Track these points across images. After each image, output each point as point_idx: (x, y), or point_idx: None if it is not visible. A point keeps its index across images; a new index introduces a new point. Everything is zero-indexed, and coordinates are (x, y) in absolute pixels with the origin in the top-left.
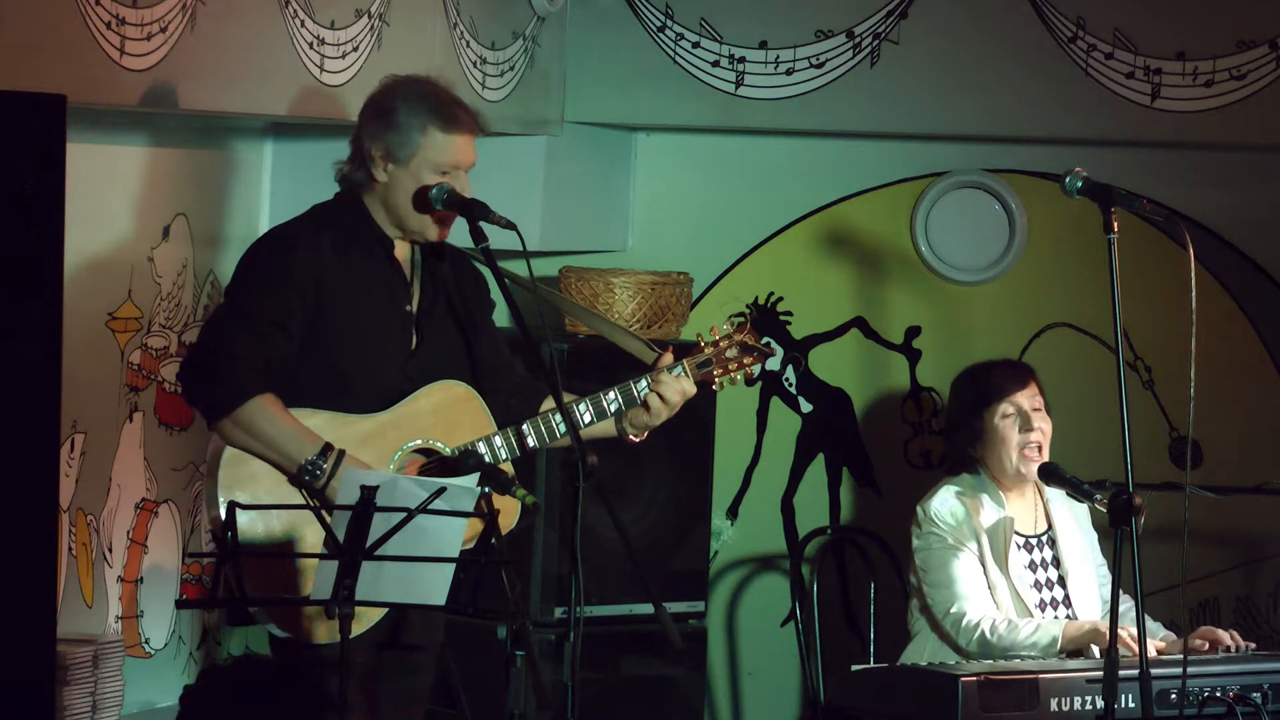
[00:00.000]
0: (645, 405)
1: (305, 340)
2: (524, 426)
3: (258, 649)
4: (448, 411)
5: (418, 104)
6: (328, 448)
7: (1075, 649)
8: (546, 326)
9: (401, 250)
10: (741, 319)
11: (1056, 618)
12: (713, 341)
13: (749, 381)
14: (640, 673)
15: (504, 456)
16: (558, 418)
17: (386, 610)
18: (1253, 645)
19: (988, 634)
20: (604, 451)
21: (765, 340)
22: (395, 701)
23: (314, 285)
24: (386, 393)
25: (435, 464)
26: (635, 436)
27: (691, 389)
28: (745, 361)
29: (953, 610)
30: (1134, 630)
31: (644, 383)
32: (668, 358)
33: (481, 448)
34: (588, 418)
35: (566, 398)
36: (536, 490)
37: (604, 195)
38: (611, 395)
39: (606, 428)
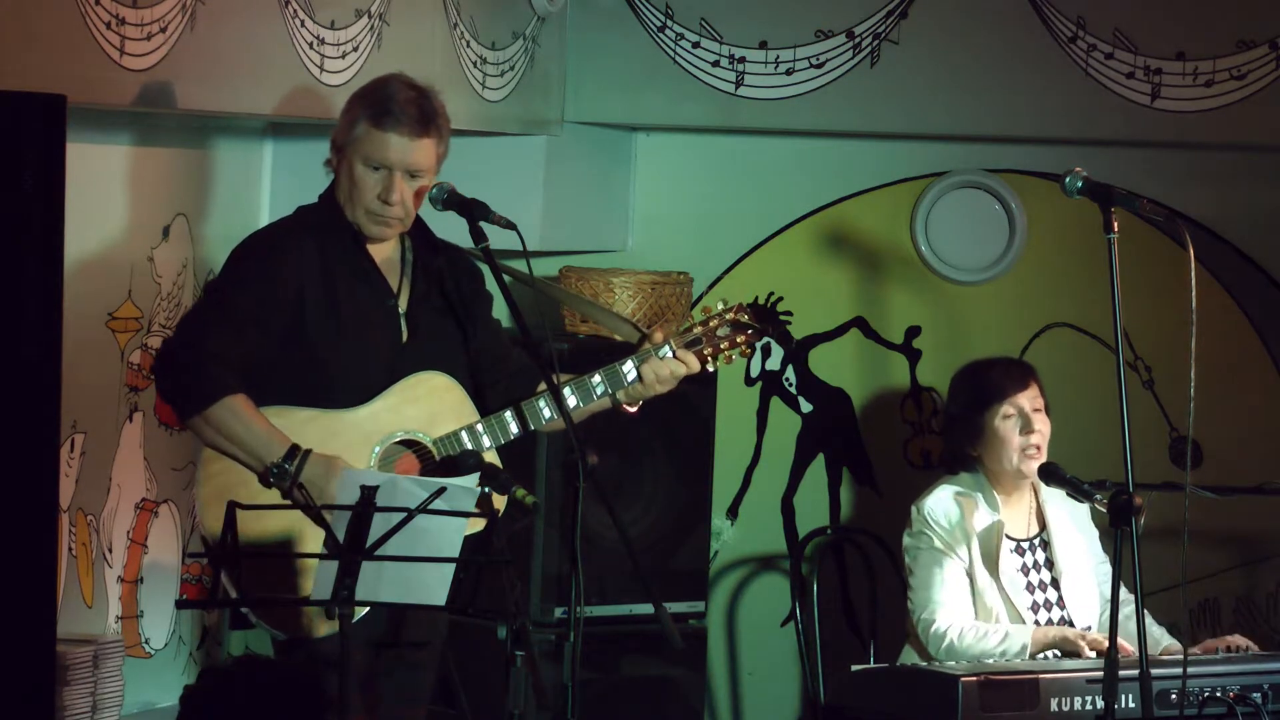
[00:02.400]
0: (641, 379)
1: (286, 339)
2: (506, 413)
3: (258, 649)
4: (428, 402)
5: (366, 96)
6: (294, 450)
7: (1043, 652)
8: (546, 326)
9: (385, 248)
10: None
11: (1050, 620)
12: (703, 320)
13: (748, 382)
14: (640, 673)
15: (487, 444)
16: (540, 402)
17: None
18: (1253, 646)
19: (955, 641)
20: (604, 451)
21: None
22: (397, 700)
23: (296, 285)
24: (371, 388)
25: (435, 464)
26: (630, 406)
27: (681, 370)
28: (738, 340)
29: (924, 615)
30: (1128, 645)
31: (629, 364)
32: (657, 336)
33: (464, 436)
34: (573, 401)
35: (563, 378)
36: (536, 490)
37: (604, 195)
38: (597, 379)
39: (601, 400)
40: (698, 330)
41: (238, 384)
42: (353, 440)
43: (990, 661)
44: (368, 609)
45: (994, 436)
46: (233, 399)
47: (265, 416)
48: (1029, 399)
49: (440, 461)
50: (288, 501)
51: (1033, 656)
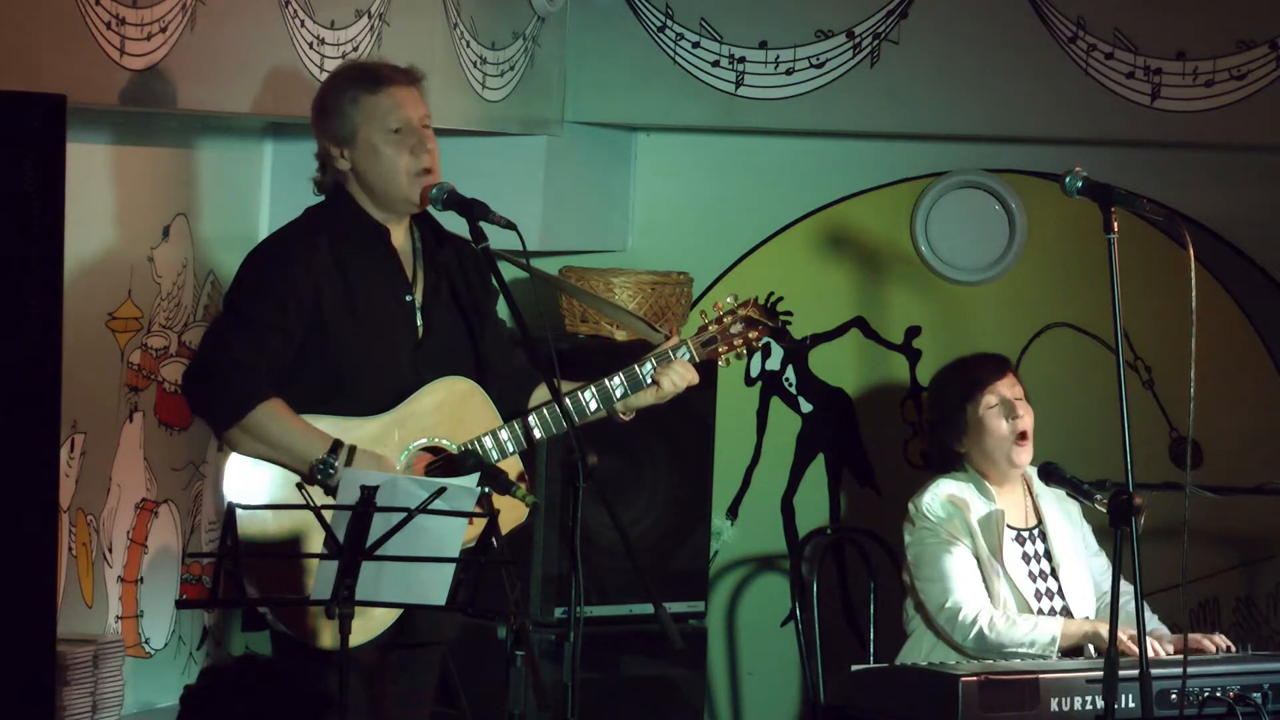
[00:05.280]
0: (656, 384)
1: (307, 344)
2: (530, 419)
3: (258, 649)
4: (452, 408)
5: (341, 83)
6: (337, 445)
7: (1074, 646)
8: (547, 327)
9: (399, 239)
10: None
11: (1053, 610)
12: (717, 318)
13: (748, 382)
14: (640, 673)
15: (511, 450)
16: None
17: (399, 614)
18: (1231, 647)
19: (986, 630)
20: (604, 451)
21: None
22: (401, 701)
23: (312, 288)
24: (394, 386)
25: (437, 464)
26: (625, 415)
27: (695, 378)
28: (750, 336)
29: (947, 605)
30: (1134, 632)
31: (649, 365)
32: (674, 340)
33: (488, 442)
34: (594, 405)
35: (571, 385)
36: (536, 490)
37: (604, 195)
38: (617, 380)
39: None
40: (713, 329)
41: (269, 389)
42: (380, 448)
43: (1004, 655)
44: (389, 621)
45: (980, 428)
46: (267, 404)
47: (302, 419)
48: (1008, 387)
49: (442, 461)
50: (288, 502)
51: (1062, 649)
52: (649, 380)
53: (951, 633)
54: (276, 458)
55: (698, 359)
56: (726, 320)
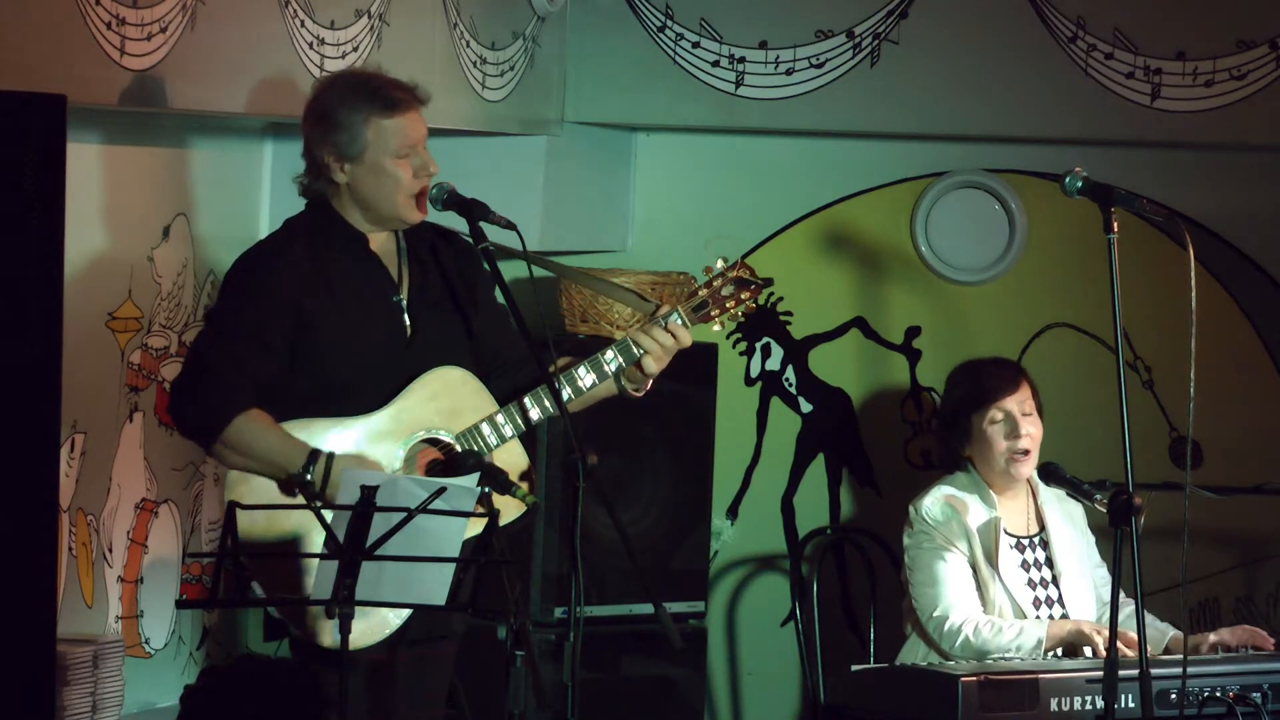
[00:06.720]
0: (639, 366)
1: (295, 353)
2: (526, 400)
3: (258, 649)
4: (446, 398)
5: (353, 98)
6: (314, 455)
7: (1059, 646)
8: (547, 328)
9: (379, 242)
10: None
11: (1051, 617)
12: (706, 282)
13: (748, 382)
14: (640, 673)
15: (509, 434)
16: (558, 384)
17: (408, 617)
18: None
19: (970, 637)
20: (604, 451)
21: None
22: (414, 703)
23: (293, 298)
24: (388, 385)
25: (438, 464)
26: (636, 391)
27: (687, 339)
28: (742, 297)
29: (936, 614)
30: (1132, 635)
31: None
32: (665, 308)
33: (486, 428)
34: (589, 381)
35: (566, 362)
36: (536, 490)
37: (604, 195)
38: (610, 354)
39: (608, 386)
40: (703, 294)
41: (248, 401)
42: (380, 444)
43: (994, 659)
44: (398, 624)
45: (982, 439)
46: (244, 416)
47: (282, 428)
48: (1017, 402)
49: (442, 461)
50: (289, 501)
51: (1048, 651)
52: (641, 350)
53: (939, 640)
54: (259, 470)
55: (689, 324)
56: (716, 283)
